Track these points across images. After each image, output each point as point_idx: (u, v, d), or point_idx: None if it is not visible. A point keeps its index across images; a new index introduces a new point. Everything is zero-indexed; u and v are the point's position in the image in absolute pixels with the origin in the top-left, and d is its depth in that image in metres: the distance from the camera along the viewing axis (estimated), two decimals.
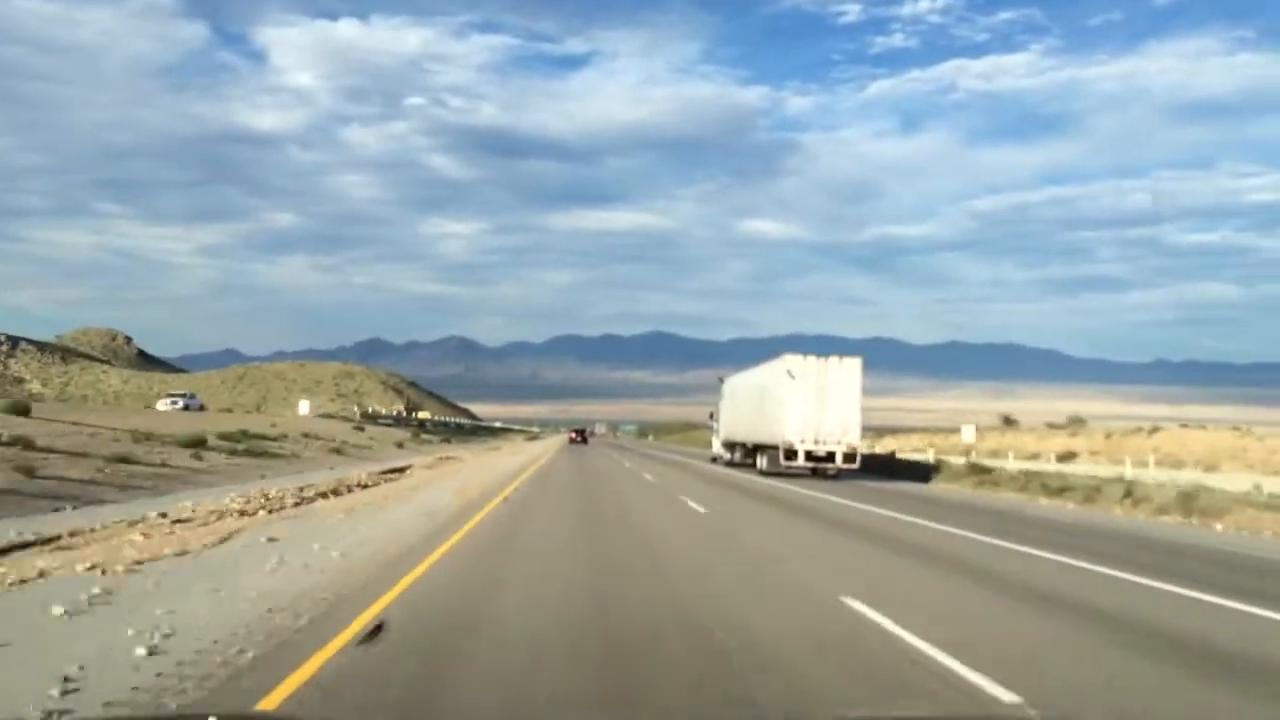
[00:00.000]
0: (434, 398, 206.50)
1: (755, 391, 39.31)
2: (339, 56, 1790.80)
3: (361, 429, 64.78)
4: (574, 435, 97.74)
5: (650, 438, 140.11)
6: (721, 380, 49.39)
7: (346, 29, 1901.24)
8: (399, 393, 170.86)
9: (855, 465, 33.48)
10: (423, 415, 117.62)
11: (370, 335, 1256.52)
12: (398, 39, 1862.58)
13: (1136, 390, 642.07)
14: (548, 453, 57.92)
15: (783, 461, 33.59)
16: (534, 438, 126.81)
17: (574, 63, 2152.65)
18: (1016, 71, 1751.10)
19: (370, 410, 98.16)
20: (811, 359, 34.42)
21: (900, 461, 43.28)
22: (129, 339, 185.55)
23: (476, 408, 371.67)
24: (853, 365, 34.35)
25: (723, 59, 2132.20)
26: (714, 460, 49.53)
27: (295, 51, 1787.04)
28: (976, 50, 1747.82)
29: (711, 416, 52.06)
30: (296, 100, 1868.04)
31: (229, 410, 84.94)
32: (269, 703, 5.26)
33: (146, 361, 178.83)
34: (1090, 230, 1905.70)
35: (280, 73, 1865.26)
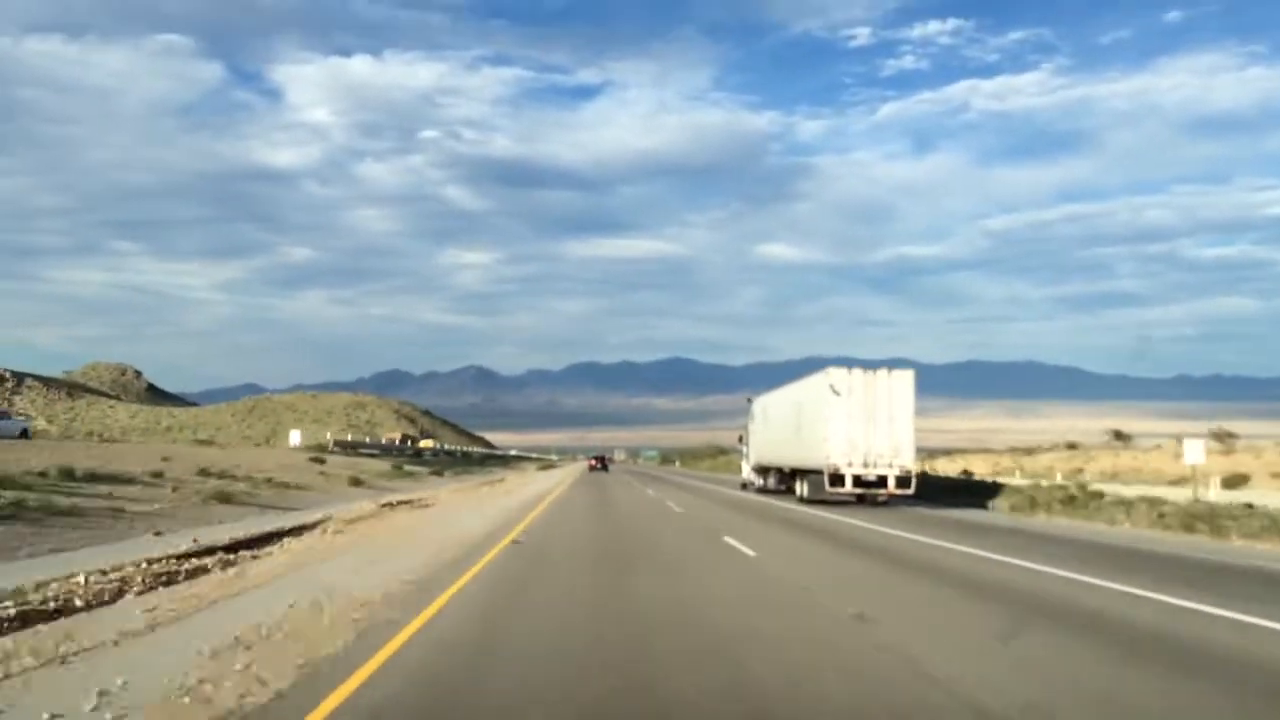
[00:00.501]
0: (448, 426, 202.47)
1: (792, 410, 35.06)
2: (353, 93, 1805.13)
3: (321, 460, 51.87)
4: (594, 462, 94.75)
5: (676, 464, 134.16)
6: (750, 401, 45.11)
7: (360, 65, 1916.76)
8: (412, 421, 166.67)
9: (909, 490, 29.41)
10: (425, 444, 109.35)
11: (389, 367, 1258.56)
12: (410, 74, 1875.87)
13: (1160, 406, 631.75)
14: (562, 484, 50.55)
15: (827, 488, 29.46)
16: (549, 466, 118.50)
17: (586, 93, 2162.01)
18: (1028, 91, 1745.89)
19: (350, 439, 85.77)
20: (857, 372, 30.45)
21: (977, 484, 37.84)
22: (139, 373, 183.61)
23: (496, 436, 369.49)
24: (904, 379, 30.34)
25: (733, 86, 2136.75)
26: (744, 487, 45.18)
27: (310, 88, 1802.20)
28: (988, 70, 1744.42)
29: (741, 440, 47.94)
30: (312, 136, 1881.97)
31: (210, 443, 77.95)
32: None
33: (157, 396, 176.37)
34: (1108, 246, 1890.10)
35: (296, 110, 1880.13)
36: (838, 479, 29.28)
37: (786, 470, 36.58)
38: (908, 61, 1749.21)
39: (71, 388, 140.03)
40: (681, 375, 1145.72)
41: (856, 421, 29.47)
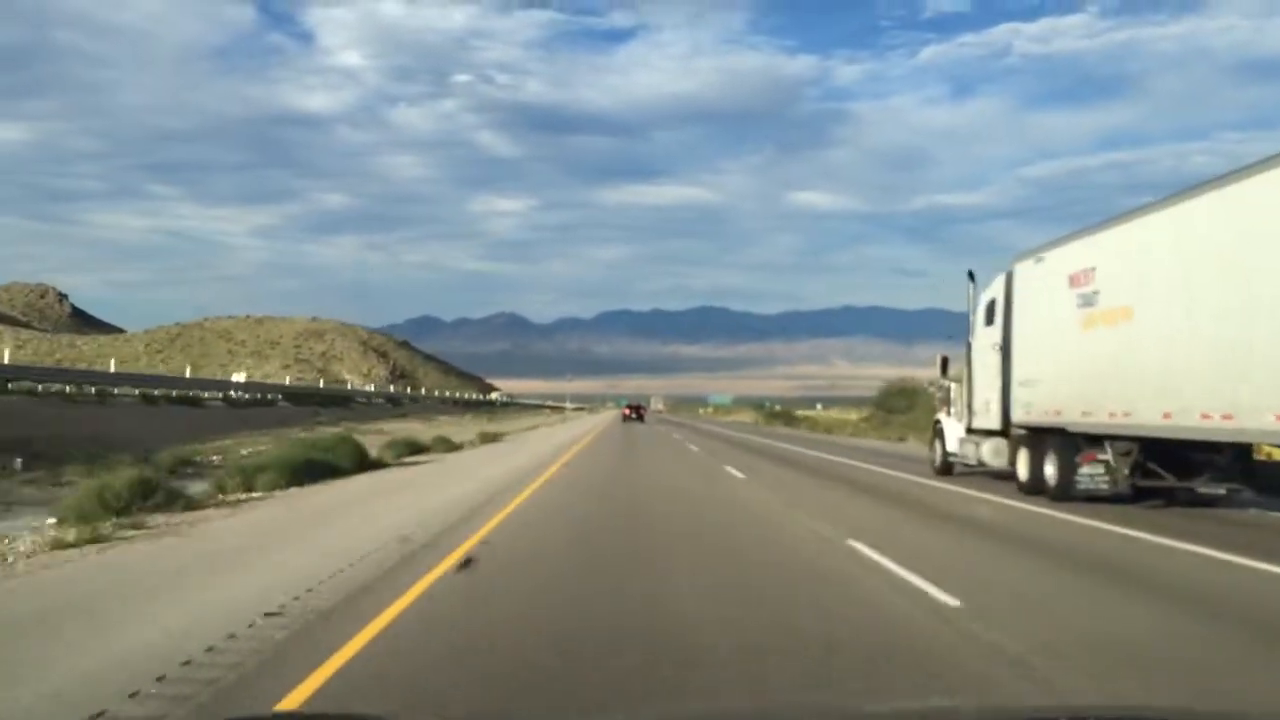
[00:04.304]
0: (435, 363, 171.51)
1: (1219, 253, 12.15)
2: (386, 35, 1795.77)
3: None
4: (628, 411, 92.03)
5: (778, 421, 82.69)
6: (972, 278, 20.55)
7: (392, 7, 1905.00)
8: (383, 356, 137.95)
9: None
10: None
11: (421, 313, 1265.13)
12: (443, 16, 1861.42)
13: None
14: (576, 452, 28.71)
15: None
16: (564, 418, 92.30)
17: (620, 36, 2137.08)
18: (1072, 33, 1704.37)
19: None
20: None
21: None
22: (63, 297, 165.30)
23: (525, 384, 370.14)
24: None
25: (769, 29, 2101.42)
26: (943, 468, 21.13)
27: (342, 31, 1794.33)
28: (1031, 12, 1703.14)
29: (942, 377, 22.69)
30: (345, 80, 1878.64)
31: None
32: None
33: (83, 323, 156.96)
34: (1149, 194, 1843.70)
35: (328, 53, 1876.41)
36: None
37: (1140, 443, 14.24)
38: (948, 3, 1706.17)
39: None
40: (713, 323, 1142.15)
41: None
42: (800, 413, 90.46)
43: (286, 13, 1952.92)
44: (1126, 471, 14.37)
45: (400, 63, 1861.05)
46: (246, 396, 60.54)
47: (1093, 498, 14.55)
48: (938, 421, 22.34)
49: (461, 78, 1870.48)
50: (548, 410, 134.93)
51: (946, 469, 21.04)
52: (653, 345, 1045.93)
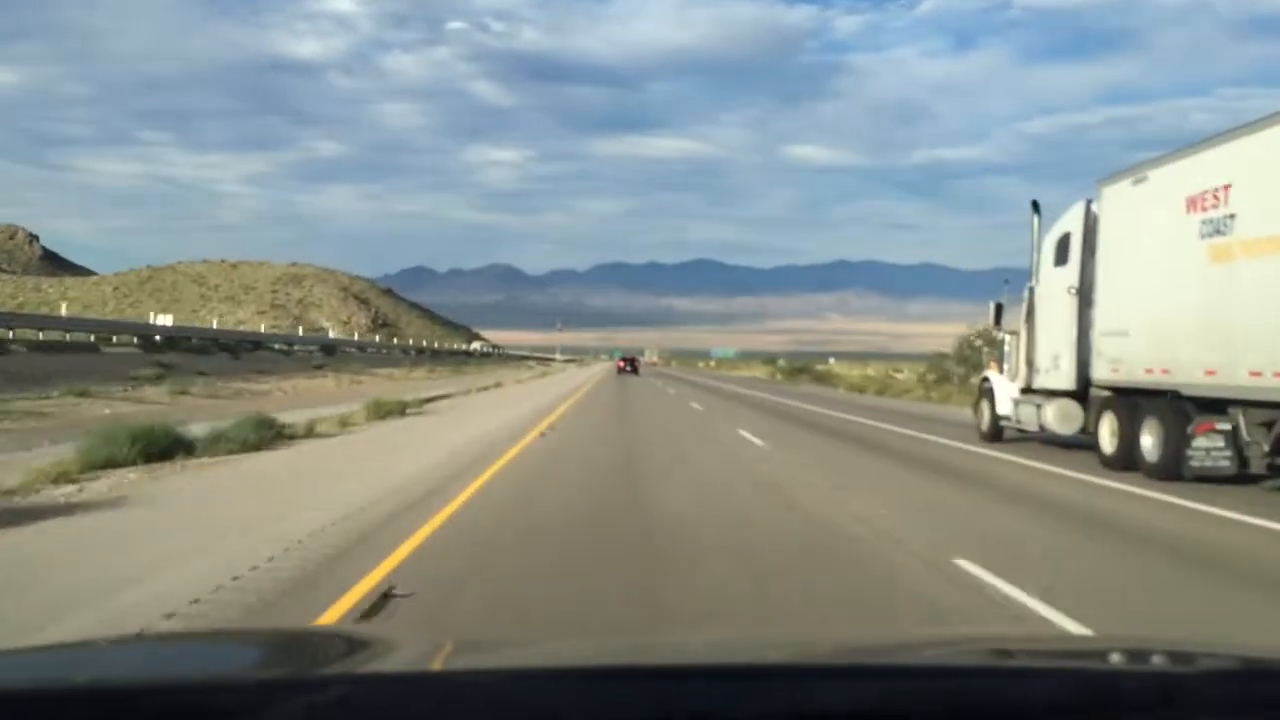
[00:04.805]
0: (420, 311, 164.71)
1: None
2: None
3: None
4: (622, 364, 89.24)
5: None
6: (1036, 209, 17.37)
7: None
8: (364, 303, 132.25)
9: None
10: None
11: (414, 264, 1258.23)
12: None
13: None
14: (554, 416, 22.21)
15: None
16: (545, 372, 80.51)
17: None
18: None
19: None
20: None
21: None
22: (33, 238, 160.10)
23: (518, 335, 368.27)
24: None
25: None
26: (991, 433, 18.06)
27: None
28: None
29: (995, 327, 19.55)
30: (336, 26, 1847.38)
31: None
32: None
33: (54, 265, 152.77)
34: (1151, 150, 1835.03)
35: None
36: None
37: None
38: None
39: None
40: (708, 277, 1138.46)
41: None
42: (821, 367, 76.05)
43: None
44: (1267, 448, 11.17)
45: (393, 9, 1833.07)
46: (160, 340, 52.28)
47: (1204, 478, 11.42)
48: (985, 379, 19.28)
49: (456, 24, 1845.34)
50: (534, 362, 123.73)
51: (995, 434, 18.05)
52: (647, 298, 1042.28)
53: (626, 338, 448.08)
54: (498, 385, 44.07)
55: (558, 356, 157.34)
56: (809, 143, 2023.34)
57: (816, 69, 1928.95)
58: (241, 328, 79.36)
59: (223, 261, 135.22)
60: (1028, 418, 16.29)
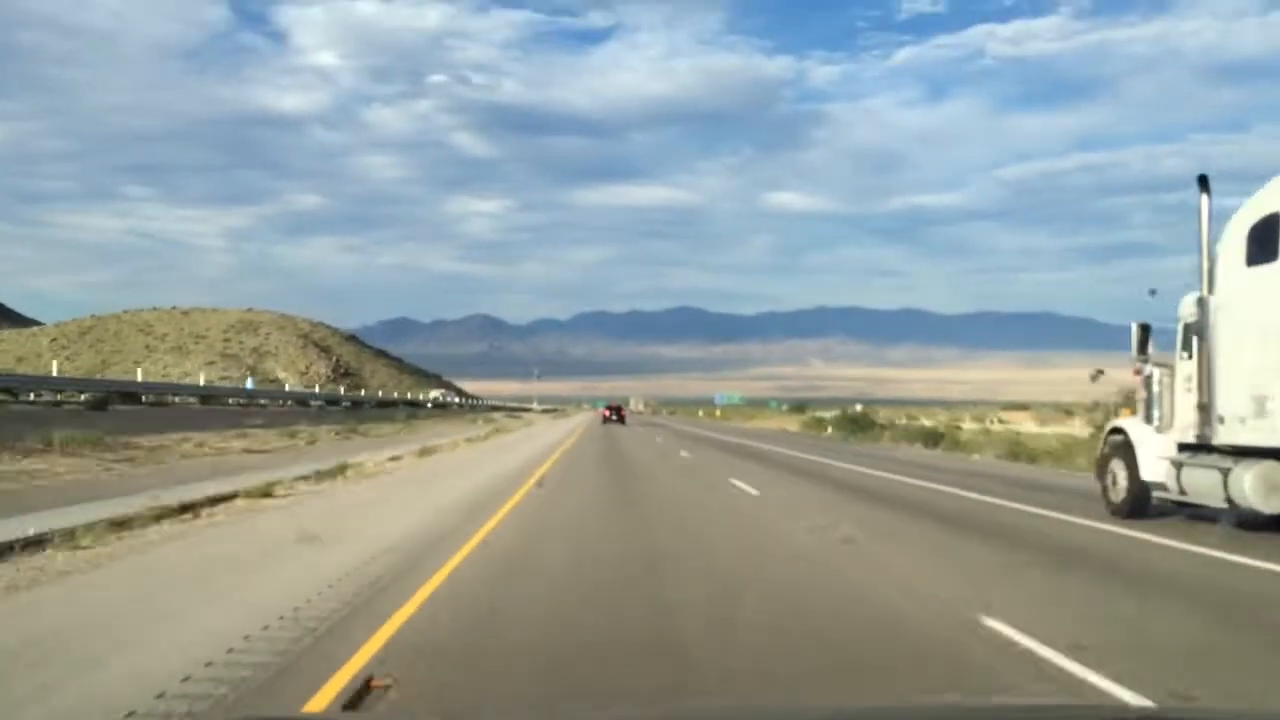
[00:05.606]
0: (387, 360, 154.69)
1: None
2: (360, 35, 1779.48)
3: None
4: (608, 413, 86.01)
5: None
6: (1205, 186, 12.37)
7: (367, 6, 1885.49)
8: (325, 351, 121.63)
9: None
10: None
11: (398, 315, 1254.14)
12: (418, 15, 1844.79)
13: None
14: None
15: None
16: (501, 429, 56.77)
17: (596, 36, 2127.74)
18: (1045, 35, 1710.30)
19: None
20: None
21: None
22: None
23: (501, 385, 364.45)
24: None
25: (746, 29, 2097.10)
26: (1130, 506, 13.46)
27: (317, 30, 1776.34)
28: (1004, 14, 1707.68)
29: (1139, 358, 14.25)
30: (319, 80, 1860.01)
31: None
32: None
33: (0, 317, 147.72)
34: (1123, 196, 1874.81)
35: (302, 53, 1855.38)
36: None
37: None
38: (924, 4, 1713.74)
39: None
40: (691, 325, 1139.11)
41: None
42: (928, 423, 59.84)
43: (260, 12, 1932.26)
44: None
45: (375, 63, 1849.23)
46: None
47: None
48: (1117, 431, 14.26)
49: (437, 78, 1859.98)
50: (504, 414, 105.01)
51: (1136, 507, 13.15)
52: (630, 346, 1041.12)
53: (609, 386, 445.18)
54: (392, 459, 25.15)
55: (534, 406, 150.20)
56: (788, 190, 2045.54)
57: (795, 118, 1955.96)
58: (187, 380, 74.97)
59: (173, 309, 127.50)
60: (1202, 486, 11.73)
